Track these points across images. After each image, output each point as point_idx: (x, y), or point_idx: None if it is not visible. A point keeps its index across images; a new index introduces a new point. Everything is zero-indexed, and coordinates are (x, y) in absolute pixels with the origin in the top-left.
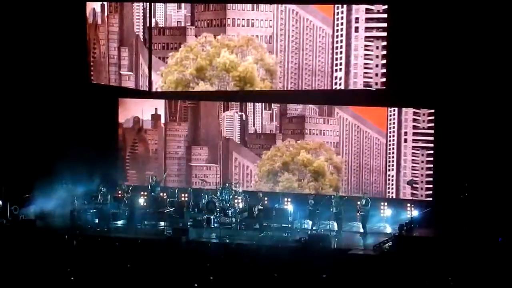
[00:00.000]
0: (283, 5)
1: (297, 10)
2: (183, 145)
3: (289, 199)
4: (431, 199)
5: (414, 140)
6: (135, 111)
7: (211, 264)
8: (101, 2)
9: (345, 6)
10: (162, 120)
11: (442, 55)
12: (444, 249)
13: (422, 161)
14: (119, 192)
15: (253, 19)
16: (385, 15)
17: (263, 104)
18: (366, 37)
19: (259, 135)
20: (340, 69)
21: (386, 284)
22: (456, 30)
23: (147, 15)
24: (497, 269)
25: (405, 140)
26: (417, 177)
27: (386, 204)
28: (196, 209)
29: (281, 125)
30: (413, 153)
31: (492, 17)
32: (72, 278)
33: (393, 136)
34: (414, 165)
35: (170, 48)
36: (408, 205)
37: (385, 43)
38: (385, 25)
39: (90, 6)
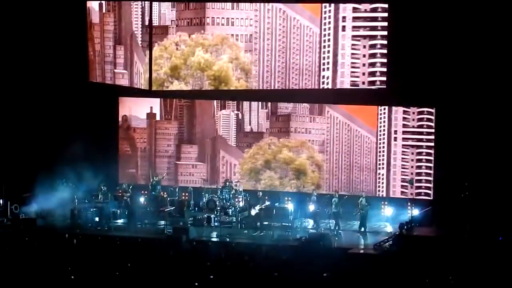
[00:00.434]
0: (270, 4)
1: (284, 9)
2: (173, 144)
3: (290, 198)
4: (431, 198)
5: (404, 139)
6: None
7: (212, 263)
8: (99, 1)
9: (332, 5)
10: (158, 119)
11: (442, 54)
12: (444, 248)
13: (412, 160)
14: (120, 191)
15: (233, 18)
16: (385, 14)
17: (260, 103)
18: (353, 36)
19: (247, 133)
20: (328, 68)
21: (386, 283)
22: (456, 29)
23: (146, 14)
24: (497, 268)
25: (395, 139)
26: (407, 175)
27: (386, 203)
28: (196, 208)
29: (270, 123)
30: (403, 151)
31: (493, 16)
32: (72, 277)
33: (384, 134)
34: (404, 163)
35: (142, 46)
36: (409, 204)
37: (373, 42)
38: (374, 24)
39: (87, 5)
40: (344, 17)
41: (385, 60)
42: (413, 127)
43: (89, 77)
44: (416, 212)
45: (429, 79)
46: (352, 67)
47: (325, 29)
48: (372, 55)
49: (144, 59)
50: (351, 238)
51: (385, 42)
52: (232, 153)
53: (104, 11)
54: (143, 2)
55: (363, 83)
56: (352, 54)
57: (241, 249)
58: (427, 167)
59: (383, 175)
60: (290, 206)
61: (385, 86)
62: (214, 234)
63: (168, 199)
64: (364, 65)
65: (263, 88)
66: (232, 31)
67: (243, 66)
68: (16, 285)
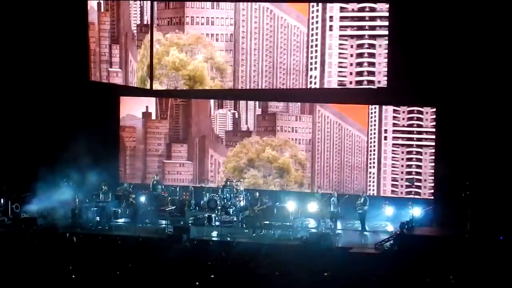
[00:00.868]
0: (257, 3)
1: (271, 9)
2: (163, 143)
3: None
4: (432, 197)
5: (394, 138)
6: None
7: (212, 263)
8: (97, 0)
9: (320, 4)
10: (153, 118)
11: (443, 53)
12: (445, 248)
13: (402, 159)
14: (121, 190)
15: (213, 17)
16: (387, 13)
17: (257, 102)
18: (340, 35)
19: (236, 132)
20: (315, 67)
21: (387, 282)
22: (457, 28)
23: (144, 13)
24: (498, 268)
25: (385, 138)
26: (397, 174)
27: (387, 202)
28: (197, 207)
29: (257, 122)
30: (393, 150)
31: (494, 15)
32: (73, 276)
33: (374, 133)
34: (394, 162)
35: (136, 45)
36: (409, 203)
37: (360, 41)
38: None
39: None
40: (331, 17)
41: (373, 60)
42: (403, 126)
43: (89, 76)
44: (417, 211)
45: (430, 78)
46: (340, 66)
47: (312, 29)
48: (360, 55)
49: (137, 57)
50: (352, 238)
51: (373, 41)
52: (221, 152)
53: (102, 10)
54: (141, 1)
55: (351, 82)
56: (340, 53)
57: (242, 249)
58: (417, 166)
59: (374, 174)
60: (291, 205)
61: (386, 86)
62: (215, 233)
63: (169, 198)
64: (351, 64)
65: (251, 88)
66: (212, 31)
67: (218, 65)
68: (17, 285)
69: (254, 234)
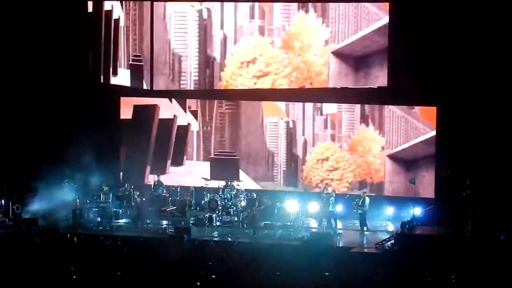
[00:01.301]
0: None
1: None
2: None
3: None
4: (433, 196)
5: None
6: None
7: (213, 263)
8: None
9: None
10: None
11: (444, 52)
12: (446, 247)
13: None
14: (122, 191)
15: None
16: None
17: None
18: None
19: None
20: None
21: (388, 282)
22: (458, 27)
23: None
24: (499, 267)
25: None
26: None
27: (388, 202)
28: (198, 208)
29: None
30: None
31: (495, 14)
32: (74, 277)
33: None
34: None
35: None
36: (410, 203)
37: None
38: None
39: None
40: None
41: None
42: None
43: (89, 77)
44: (417, 211)
45: (430, 77)
46: None
47: None
48: None
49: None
50: (353, 237)
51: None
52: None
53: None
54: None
55: None
56: None
57: (243, 249)
58: None
59: None
60: (291, 205)
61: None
62: (216, 233)
63: (170, 198)
64: None
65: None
66: None
67: None
68: (18, 286)
69: (254, 235)
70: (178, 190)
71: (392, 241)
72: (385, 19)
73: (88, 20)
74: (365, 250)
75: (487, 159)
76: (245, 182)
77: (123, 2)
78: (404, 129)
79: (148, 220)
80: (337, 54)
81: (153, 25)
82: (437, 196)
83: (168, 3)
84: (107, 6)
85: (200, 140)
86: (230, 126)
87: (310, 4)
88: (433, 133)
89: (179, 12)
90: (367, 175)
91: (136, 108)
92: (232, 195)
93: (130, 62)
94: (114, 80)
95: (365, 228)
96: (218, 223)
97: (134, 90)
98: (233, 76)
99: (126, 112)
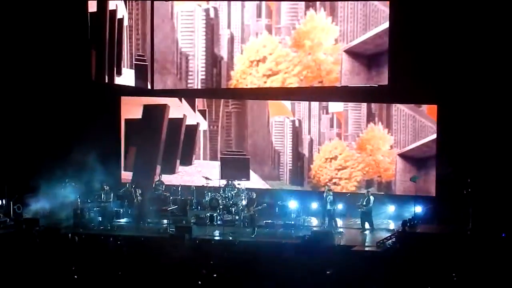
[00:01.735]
0: None
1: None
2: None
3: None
4: (434, 195)
5: None
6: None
7: (215, 262)
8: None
9: None
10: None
11: (444, 50)
12: (447, 245)
13: None
14: (123, 190)
15: None
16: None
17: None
18: None
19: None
20: None
21: (389, 280)
22: (458, 26)
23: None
24: (500, 265)
25: None
26: None
27: (389, 200)
28: (199, 207)
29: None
30: None
31: (494, 13)
32: (75, 276)
33: None
34: None
35: None
36: (412, 201)
37: None
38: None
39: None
40: None
41: None
42: None
43: (91, 76)
44: (419, 209)
45: (431, 76)
46: None
47: None
48: None
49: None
50: (354, 236)
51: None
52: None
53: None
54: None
55: None
56: None
57: (244, 248)
58: None
59: None
60: (292, 204)
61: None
62: (217, 232)
63: (171, 198)
64: None
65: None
66: None
67: None
68: (20, 285)
69: (253, 235)
70: (179, 189)
71: (393, 240)
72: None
73: (93, 19)
74: (366, 249)
75: (488, 157)
76: (254, 181)
77: (127, 1)
78: (412, 128)
79: (149, 220)
80: (350, 52)
81: (153, 24)
82: (438, 194)
83: (175, 2)
84: (111, 5)
85: (207, 139)
86: (236, 125)
87: (318, 2)
88: None
89: (186, 11)
90: (376, 173)
91: (146, 107)
92: (233, 194)
93: (134, 62)
94: (118, 80)
95: (367, 226)
96: (219, 222)
97: (135, 90)
98: (243, 75)
99: (135, 111)
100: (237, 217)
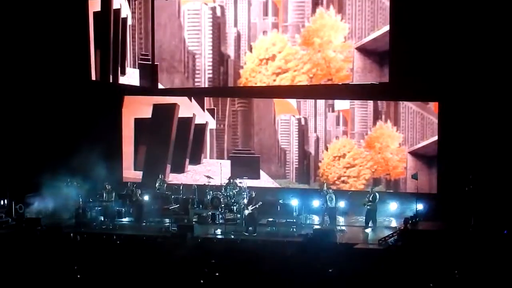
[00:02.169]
0: None
1: None
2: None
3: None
4: (436, 192)
5: None
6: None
7: (217, 260)
8: None
9: None
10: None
11: (445, 47)
12: (449, 242)
13: None
14: (125, 190)
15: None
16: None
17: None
18: None
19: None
20: None
21: (392, 278)
22: (460, 22)
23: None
24: (502, 262)
25: None
26: None
27: (391, 198)
28: (201, 206)
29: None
30: None
31: (495, 10)
32: (78, 276)
33: None
34: None
35: None
36: (413, 199)
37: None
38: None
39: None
40: None
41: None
42: None
43: (90, 76)
44: (420, 206)
45: (432, 72)
46: None
47: None
48: None
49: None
50: (356, 234)
51: None
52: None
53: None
54: None
55: None
56: None
57: (246, 246)
58: None
59: None
60: (294, 202)
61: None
62: (219, 231)
63: (173, 197)
64: None
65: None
66: None
67: None
68: (22, 285)
69: (255, 234)
70: (181, 188)
71: (395, 237)
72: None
73: (97, 19)
74: (369, 247)
75: (489, 154)
76: (263, 179)
77: (131, 1)
78: (420, 125)
79: (151, 219)
80: (362, 49)
81: (154, 24)
82: (440, 191)
83: (182, 1)
84: (115, 5)
85: (213, 138)
86: (242, 123)
87: (325, 0)
88: None
89: (192, 10)
90: (384, 171)
91: (156, 107)
92: (235, 192)
93: (139, 61)
94: (122, 80)
95: (370, 224)
96: (221, 221)
97: (137, 88)
98: (252, 73)
99: (145, 111)
100: (239, 216)
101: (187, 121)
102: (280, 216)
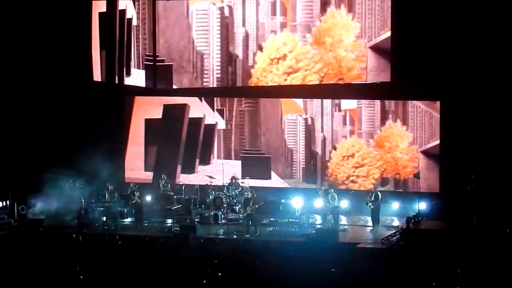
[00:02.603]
0: None
1: None
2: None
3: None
4: (438, 191)
5: None
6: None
7: (219, 260)
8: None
9: None
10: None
11: (447, 46)
12: (452, 241)
13: None
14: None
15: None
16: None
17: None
18: None
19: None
20: None
21: (394, 277)
22: (461, 22)
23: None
24: (505, 261)
25: None
26: None
27: (393, 197)
28: (203, 206)
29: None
30: None
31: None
32: (81, 277)
33: None
34: None
35: None
36: (416, 198)
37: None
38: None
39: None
40: None
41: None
42: None
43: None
44: (423, 205)
45: (434, 72)
46: None
47: None
48: None
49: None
50: (359, 233)
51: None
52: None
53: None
54: None
55: None
56: None
57: (248, 246)
58: None
59: None
60: (296, 202)
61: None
62: (221, 231)
63: (175, 197)
64: None
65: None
66: None
67: None
68: (25, 286)
69: (256, 234)
70: (183, 188)
71: (398, 236)
72: None
73: (102, 19)
74: (371, 246)
75: (491, 153)
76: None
77: (135, 1)
78: (428, 124)
79: (153, 219)
80: (375, 49)
81: (155, 23)
82: (442, 190)
83: (190, 1)
84: (121, 5)
85: (221, 138)
86: (249, 123)
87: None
88: None
89: (201, 10)
90: (394, 171)
91: (166, 107)
92: (237, 192)
93: (145, 62)
94: (127, 80)
95: (370, 223)
96: (223, 221)
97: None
98: (263, 73)
99: (155, 111)
100: (241, 216)
101: (197, 121)
102: (283, 215)
